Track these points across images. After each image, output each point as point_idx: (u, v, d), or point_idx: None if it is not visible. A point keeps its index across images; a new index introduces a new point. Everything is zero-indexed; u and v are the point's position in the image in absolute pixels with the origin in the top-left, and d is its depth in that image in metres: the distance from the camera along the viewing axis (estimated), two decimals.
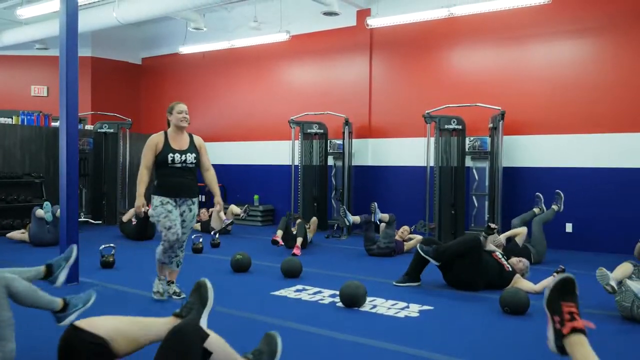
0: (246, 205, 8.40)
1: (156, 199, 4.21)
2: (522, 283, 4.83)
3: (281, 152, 9.80)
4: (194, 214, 4.36)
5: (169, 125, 4.34)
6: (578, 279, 5.44)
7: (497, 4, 7.17)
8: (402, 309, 4.18)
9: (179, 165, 4.22)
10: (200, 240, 6.74)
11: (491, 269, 4.87)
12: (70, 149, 4.85)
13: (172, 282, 4.45)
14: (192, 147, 4.32)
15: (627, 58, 7.11)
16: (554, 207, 6.62)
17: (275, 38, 9.20)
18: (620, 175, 7.10)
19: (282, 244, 6.67)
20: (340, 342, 3.37)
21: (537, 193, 6.88)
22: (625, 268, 4.14)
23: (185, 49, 10.33)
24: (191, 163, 4.28)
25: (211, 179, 4.48)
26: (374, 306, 4.24)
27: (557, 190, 6.73)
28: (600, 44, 7.32)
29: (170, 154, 4.20)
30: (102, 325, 2.17)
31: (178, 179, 4.23)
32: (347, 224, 7.05)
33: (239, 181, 10.47)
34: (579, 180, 7.34)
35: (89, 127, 10.26)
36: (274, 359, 2.44)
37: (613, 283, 3.99)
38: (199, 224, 8.69)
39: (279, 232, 6.78)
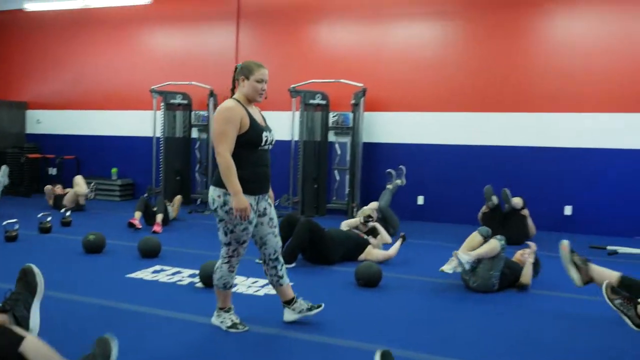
0: (93, 183, 7.88)
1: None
2: (373, 253, 5.12)
3: (142, 123, 9.29)
4: (273, 208, 3.27)
5: (233, 90, 3.17)
6: (425, 249, 5.75)
7: None
8: (262, 286, 4.22)
9: (267, 147, 3.13)
10: (49, 219, 6.23)
11: (345, 240, 5.11)
12: None
13: (295, 300, 3.42)
14: (267, 124, 3.25)
15: (476, 42, 7.65)
16: (398, 181, 6.99)
17: (135, 0, 8.63)
18: (466, 151, 7.70)
19: (140, 226, 6.36)
20: (195, 325, 3.31)
21: (387, 170, 7.17)
22: (471, 240, 4.32)
23: (31, 6, 9.34)
24: (273, 145, 3.23)
25: None
26: (235, 285, 4.23)
27: (400, 166, 7.10)
28: (453, 28, 7.78)
29: (265, 133, 3.07)
30: None
31: (266, 168, 3.13)
32: None
33: (94, 153, 9.76)
34: (431, 155, 7.85)
35: None
36: None
37: (465, 263, 4.14)
38: (52, 199, 8.00)
39: (137, 214, 6.48)
